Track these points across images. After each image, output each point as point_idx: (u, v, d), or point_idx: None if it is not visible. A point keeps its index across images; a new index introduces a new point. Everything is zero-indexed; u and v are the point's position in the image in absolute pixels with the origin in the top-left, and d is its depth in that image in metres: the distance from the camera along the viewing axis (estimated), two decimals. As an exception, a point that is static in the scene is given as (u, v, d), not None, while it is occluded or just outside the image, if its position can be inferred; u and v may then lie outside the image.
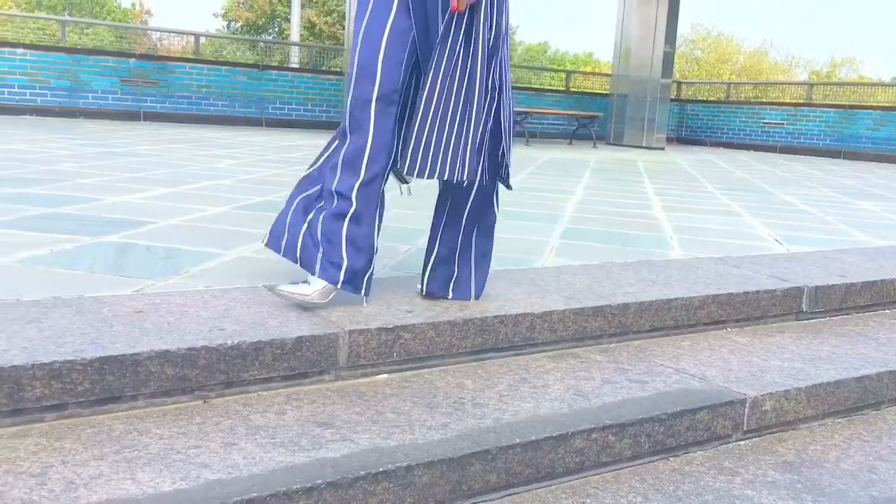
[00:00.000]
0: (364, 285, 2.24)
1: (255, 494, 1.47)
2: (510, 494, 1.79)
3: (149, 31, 19.26)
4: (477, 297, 2.44)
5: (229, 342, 1.90)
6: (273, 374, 1.97)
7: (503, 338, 2.32)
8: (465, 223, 2.41)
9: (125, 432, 1.69)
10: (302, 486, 1.52)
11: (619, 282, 2.81)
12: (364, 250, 2.22)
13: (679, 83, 17.86)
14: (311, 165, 2.35)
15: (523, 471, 1.80)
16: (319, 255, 2.20)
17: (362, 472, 1.59)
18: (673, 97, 15.83)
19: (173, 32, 14.84)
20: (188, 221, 3.52)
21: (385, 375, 2.14)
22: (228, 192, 4.58)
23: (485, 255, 2.47)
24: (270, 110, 12.82)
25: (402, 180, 2.43)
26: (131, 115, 11.68)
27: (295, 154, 7.80)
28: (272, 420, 1.80)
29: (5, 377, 1.64)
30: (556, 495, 1.81)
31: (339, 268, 2.19)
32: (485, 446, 1.74)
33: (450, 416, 1.89)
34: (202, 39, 14.42)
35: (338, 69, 15.43)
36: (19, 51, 11.11)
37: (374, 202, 2.22)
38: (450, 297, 2.42)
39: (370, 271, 2.25)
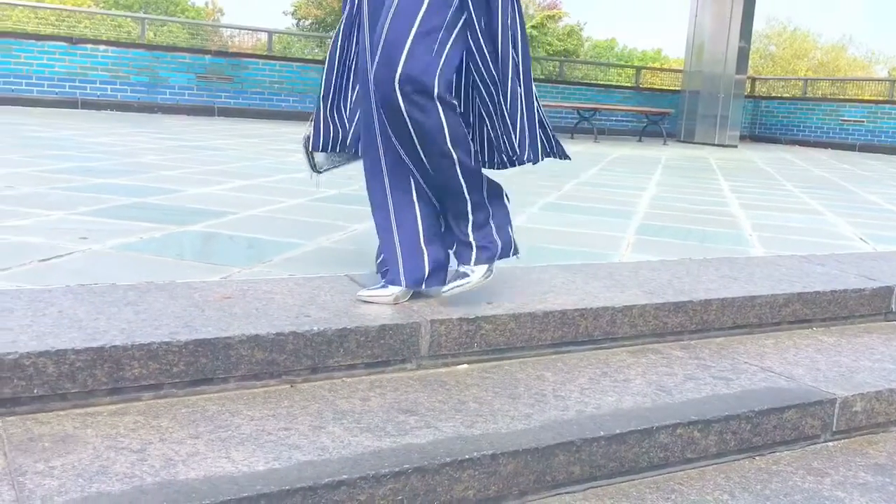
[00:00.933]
0: (446, 275, 2.25)
1: (346, 476, 1.50)
2: (593, 487, 1.78)
3: (221, 29, 19.66)
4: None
5: (315, 329, 1.94)
6: (357, 361, 2.00)
7: (583, 331, 2.31)
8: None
9: (218, 413, 1.74)
10: (390, 470, 1.54)
11: (700, 278, 2.76)
12: (437, 243, 2.23)
13: (753, 79, 17.43)
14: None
15: (607, 464, 1.79)
16: (401, 269, 2.20)
17: (448, 459, 1.60)
18: (746, 94, 15.46)
19: (247, 30, 15.15)
20: (267, 212, 3.59)
21: (465, 366, 2.15)
22: (303, 185, 4.66)
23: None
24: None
25: (317, 171, 2.41)
26: (206, 111, 11.96)
27: (365, 149, 7.88)
28: (357, 406, 1.83)
29: (106, 356, 1.71)
30: (639, 490, 1.80)
31: (423, 274, 2.20)
32: (569, 438, 1.74)
33: (532, 408, 1.89)
34: (274, 36, 14.68)
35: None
36: (101, 47, 11.50)
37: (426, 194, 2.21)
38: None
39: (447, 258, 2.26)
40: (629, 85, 16.75)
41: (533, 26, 36.71)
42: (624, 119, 15.19)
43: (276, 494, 1.43)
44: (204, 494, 1.39)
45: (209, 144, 7.11)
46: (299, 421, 1.73)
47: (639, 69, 17.80)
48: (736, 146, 13.64)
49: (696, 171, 7.89)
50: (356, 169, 2.43)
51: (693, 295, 2.52)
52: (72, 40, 11.41)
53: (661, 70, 20.02)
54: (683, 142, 14.29)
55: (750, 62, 15.67)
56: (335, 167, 2.44)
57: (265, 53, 13.54)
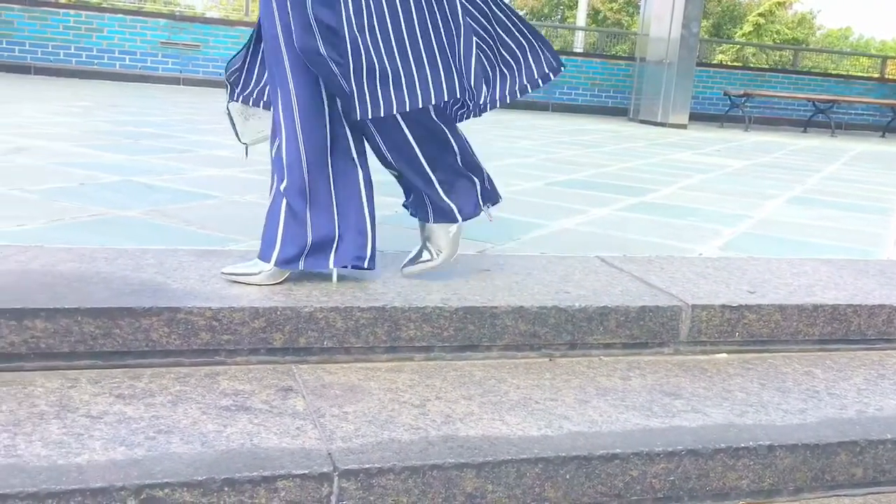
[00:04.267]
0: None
1: (619, 450, 1.50)
2: (874, 493, 1.66)
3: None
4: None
5: (577, 305, 1.95)
6: (615, 340, 2.00)
7: (855, 329, 2.15)
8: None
9: (484, 378, 1.80)
10: (663, 449, 1.52)
11: None
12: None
13: None
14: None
15: (893, 469, 1.66)
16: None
17: (722, 445, 1.56)
18: None
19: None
20: (507, 194, 3.64)
21: (725, 355, 2.07)
22: (535, 170, 4.70)
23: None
24: (557, 95, 12.95)
25: (241, 140, 2.21)
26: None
27: (587, 137, 7.83)
28: (618, 384, 1.83)
29: (386, 316, 1.82)
30: (928, 502, 1.65)
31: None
32: (852, 437, 1.63)
33: (805, 403, 1.79)
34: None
35: (625, 54, 15.21)
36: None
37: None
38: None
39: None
40: (871, 76, 15.36)
41: (760, 14, 34.68)
42: (864, 112, 13.96)
43: (553, 460, 1.46)
44: (485, 452, 1.45)
45: (437, 129, 7.35)
46: (564, 393, 1.75)
47: (884, 59, 16.27)
48: None
49: (956, 170, 7.10)
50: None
51: (984, 299, 2.27)
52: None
53: (910, 59, 18.17)
54: (935, 138, 12.89)
55: None
56: (259, 140, 2.20)
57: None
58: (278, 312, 1.74)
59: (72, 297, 1.66)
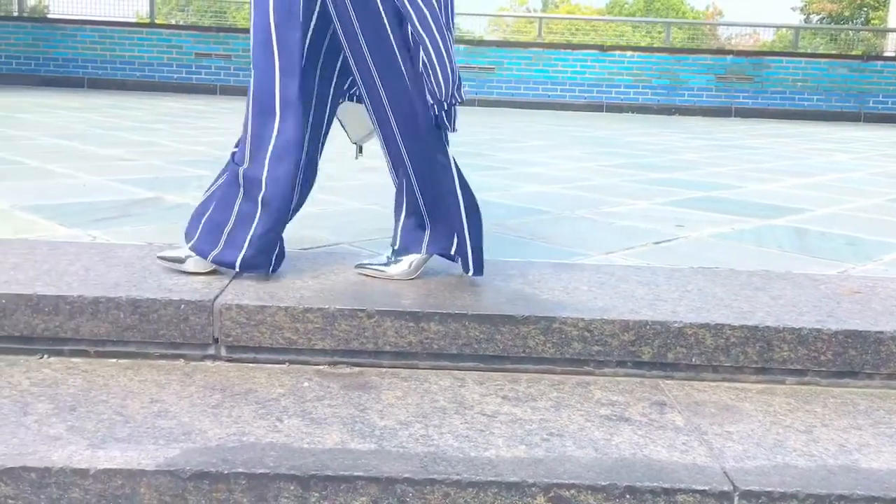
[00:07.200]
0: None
1: None
2: None
3: (719, 29, 19.23)
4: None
5: (978, 335, 1.75)
6: None
7: None
8: None
9: (870, 408, 1.67)
10: None
11: None
12: None
13: None
14: None
15: None
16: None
17: None
18: None
19: (767, 27, 14.68)
20: (845, 211, 3.39)
21: None
22: (867, 185, 4.31)
23: None
24: (871, 104, 11.80)
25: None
26: (722, 112, 11.87)
27: (917, 149, 7.03)
28: None
29: (758, 336, 1.75)
30: None
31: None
32: None
33: None
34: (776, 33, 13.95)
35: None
36: (628, 53, 12.15)
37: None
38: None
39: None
40: None
41: None
42: None
43: (981, 505, 1.31)
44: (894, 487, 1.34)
45: (741, 143, 7.03)
46: (971, 432, 1.57)
47: None
48: None
49: None
50: None
51: None
52: (603, 48, 12.26)
53: None
54: None
55: None
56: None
57: (790, 50, 12.94)
58: (647, 326, 1.75)
59: (458, 304, 1.80)
